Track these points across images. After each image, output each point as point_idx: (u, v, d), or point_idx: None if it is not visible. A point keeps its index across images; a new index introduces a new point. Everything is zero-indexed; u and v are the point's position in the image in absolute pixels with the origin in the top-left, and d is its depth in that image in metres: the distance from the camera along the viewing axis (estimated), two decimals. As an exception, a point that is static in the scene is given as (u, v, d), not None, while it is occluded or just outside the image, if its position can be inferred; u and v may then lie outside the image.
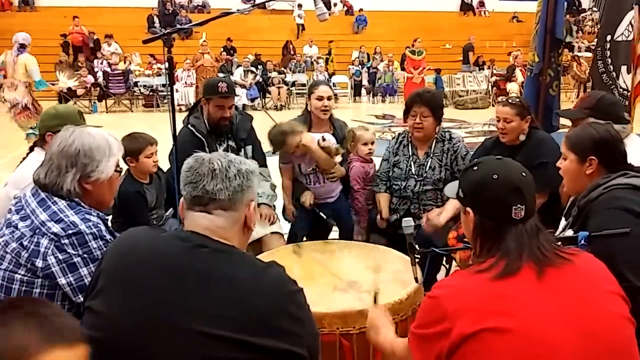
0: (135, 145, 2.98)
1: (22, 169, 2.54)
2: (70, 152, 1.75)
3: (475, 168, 1.50)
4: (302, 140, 3.17)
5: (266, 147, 3.47)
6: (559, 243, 1.50)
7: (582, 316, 1.29)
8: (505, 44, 19.27)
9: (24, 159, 2.65)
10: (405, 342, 1.50)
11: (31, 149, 2.66)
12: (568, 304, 1.31)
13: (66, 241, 1.68)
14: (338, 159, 3.29)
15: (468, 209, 1.48)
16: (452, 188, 1.61)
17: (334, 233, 3.55)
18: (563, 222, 2.24)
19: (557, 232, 2.16)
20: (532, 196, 1.43)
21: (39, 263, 1.67)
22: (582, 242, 1.78)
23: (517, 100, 3.07)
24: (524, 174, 1.45)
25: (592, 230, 1.82)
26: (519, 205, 1.39)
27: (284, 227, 3.42)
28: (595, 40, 4.98)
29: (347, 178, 3.45)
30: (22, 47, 7.14)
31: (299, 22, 19.19)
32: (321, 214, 3.38)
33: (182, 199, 1.44)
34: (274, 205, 3.35)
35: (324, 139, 3.22)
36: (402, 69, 15.70)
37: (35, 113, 7.09)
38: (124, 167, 2.67)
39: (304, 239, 3.46)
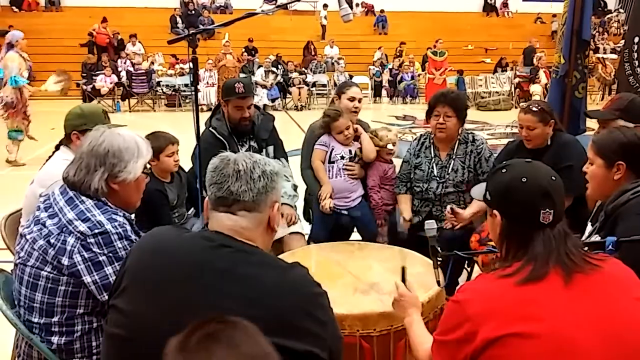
0: (156, 144, 3.00)
1: (48, 167, 2.58)
2: (100, 151, 1.78)
3: (504, 170, 1.47)
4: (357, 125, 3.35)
5: (288, 147, 3.48)
6: (586, 248, 1.47)
7: (609, 323, 1.27)
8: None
9: (50, 157, 2.69)
10: (429, 350, 1.48)
11: (57, 148, 2.70)
12: (595, 310, 1.28)
13: (92, 240, 1.70)
14: (390, 146, 3.40)
15: (495, 212, 1.46)
16: (479, 190, 1.59)
17: (355, 235, 3.53)
18: (589, 227, 2.20)
19: (584, 237, 2.12)
20: (561, 200, 1.40)
21: (65, 261, 1.69)
22: (610, 247, 1.75)
23: (538, 106, 2.99)
24: (553, 177, 1.42)
25: (621, 235, 1.78)
26: (547, 210, 1.37)
27: (305, 227, 3.42)
28: (622, 42, 4.89)
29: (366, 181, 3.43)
30: (10, 45, 7.20)
31: (324, 24, 19.19)
32: (342, 218, 3.32)
33: (206, 199, 1.45)
34: (295, 206, 3.34)
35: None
36: (423, 69, 15.60)
37: (21, 116, 7.16)
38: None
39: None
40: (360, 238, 3.39)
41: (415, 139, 3.44)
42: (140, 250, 1.44)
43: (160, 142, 3.02)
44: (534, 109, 2.95)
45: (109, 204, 1.79)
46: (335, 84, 14.02)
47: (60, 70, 7.42)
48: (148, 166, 1.93)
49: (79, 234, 1.70)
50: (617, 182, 1.98)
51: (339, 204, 3.31)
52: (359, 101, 3.44)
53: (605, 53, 16.59)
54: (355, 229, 3.47)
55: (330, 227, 3.35)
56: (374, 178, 3.39)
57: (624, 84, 4.41)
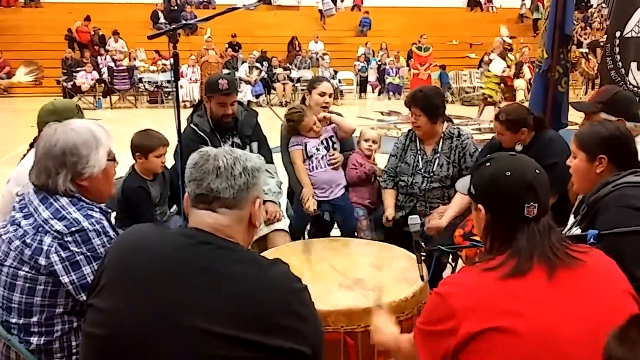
0: (148, 143, 2.97)
1: (23, 166, 2.52)
2: (55, 153, 1.71)
3: (488, 164, 1.47)
4: (320, 114, 3.38)
5: (272, 143, 3.46)
6: (569, 241, 1.47)
7: (593, 318, 1.27)
8: (514, 40, 19.17)
9: (24, 155, 2.64)
10: (411, 338, 1.48)
11: (31, 145, 2.64)
12: (579, 305, 1.29)
13: (69, 239, 1.66)
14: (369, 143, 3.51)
15: (479, 205, 1.46)
16: (463, 184, 1.58)
17: (335, 230, 3.53)
18: (572, 220, 2.21)
19: (566, 229, 2.13)
20: (545, 194, 1.40)
21: (42, 261, 1.65)
22: (592, 240, 1.75)
23: (504, 115, 3.01)
24: (537, 171, 1.42)
25: (601, 228, 1.80)
26: (532, 203, 1.36)
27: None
28: (605, 36, 4.94)
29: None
30: None
31: (320, 8, 18.84)
32: (322, 212, 3.33)
33: (186, 195, 1.42)
34: (279, 203, 3.33)
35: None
36: (408, 65, 15.63)
37: None
38: (127, 163, 2.65)
39: (306, 235, 3.45)
40: (339, 233, 3.40)
41: (404, 134, 3.46)
42: (119, 248, 1.41)
43: (153, 142, 2.99)
44: (501, 118, 3.02)
45: (84, 199, 1.75)
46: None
47: (28, 60, 7.07)
48: (113, 152, 1.85)
49: (55, 233, 1.66)
50: (599, 175, 1.99)
51: (321, 196, 3.32)
52: (330, 96, 3.48)
53: (587, 48, 16.73)
54: (335, 223, 3.47)
55: (310, 217, 3.36)
56: (355, 165, 3.43)
57: (606, 78, 4.43)
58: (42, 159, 1.73)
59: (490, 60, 11.77)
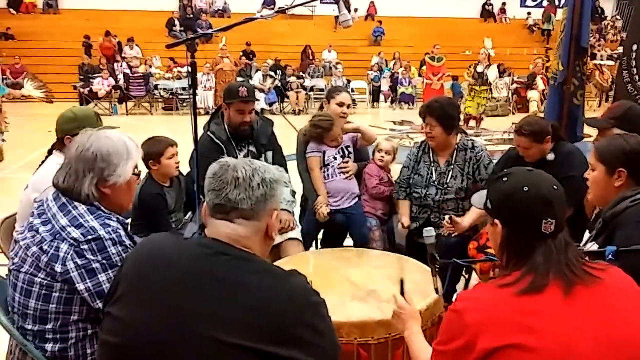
0: (157, 148, 3.00)
1: (42, 173, 2.55)
2: (88, 156, 1.75)
3: (505, 179, 1.46)
4: (346, 125, 3.43)
5: (286, 151, 3.47)
6: (587, 258, 1.46)
7: (610, 335, 1.26)
8: (527, 51, 19.10)
9: (43, 162, 2.66)
10: (429, 358, 1.47)
11: (50, 152, 2.67)
12: (595, 323, 1.27)
13: (86, 247, 1.67)
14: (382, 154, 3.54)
15: (496, 221, 1.45)
16: (479, 198, 1.57)
17: (348, 240, 3.52)
18: (587, 235, 2.19)
19: (582, 245, 2.11)
20: (562, 210, 1.39)
21: (59, 268, 1.67)
22: (610, 257, 1.74)
23: (526, 128, 2.91)
24: (555, 187, 1.41)
25: (620, 244, 1.77)
26: (549, 220, 1.35)
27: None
28: (620, 48, 4.91)
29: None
30: None
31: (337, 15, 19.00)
32: (334, 217, 3.32)
33: (204, 204, 1.43)
34: (293, 212, 3.33)
35: None
36: (420, 75, 15.60)
37: None
38: (144, 170, 2.68)
39: (317, 244, 3.45)
40: (352, 243, 3.39)
41: (416, 145, 3.45)
42: (136, 258, 1.42)
43: (161, 146, 3.01)
44: (525, 131, 2.92)
45: (102, 209, 1.77)
46: (333, 89, 13.99)
47: (30, 74, 7.08)
48: (139, 167, 1.90)
49: (72, 241, 1.67)
50: (617, 188, 1.98)
51: (334, 204, 3.32)
52: (348, 107, 3.48)
53: (602, 60, 16.63)
54: (348, 233, 3.47)
55: (322, 225, 3.37)
56: (370, 175, 3.45)
57: (622, 91, 4.40)
58: (73, 161, 1.76)
59: (479, 74, 11.69)
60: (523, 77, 15.23)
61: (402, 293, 1.87)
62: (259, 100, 13.23)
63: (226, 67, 13.79)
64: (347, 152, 3.45)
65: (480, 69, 11.78)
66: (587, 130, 4.00)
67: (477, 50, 19.11)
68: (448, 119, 3.16)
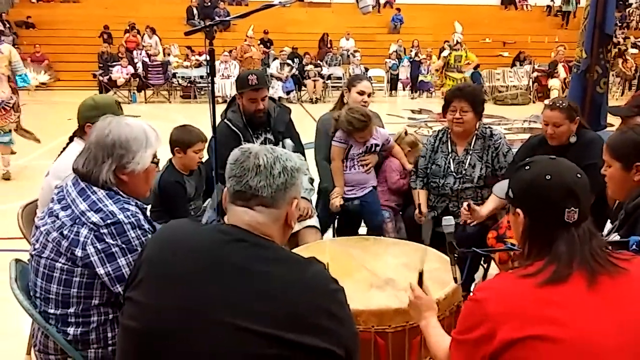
0: (188, 138, 3.02)
1: (63, 159, 2.57)
2: (107, 142, 1.75)
3: (527, 167, 1.43)
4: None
5: (303, 139, 3.46)
6: (610, 247, 1.44)
7: (634, 327, 1.24)
8: (548, 39, 18.79)
9: (64, 149, 2.69)
10: (447, 348, 1.46)
11: (71, 139, 2.70)
12: (620, 314, 1.25)
13: (105, 231, 1.69)
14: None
15: (518, 210, 1.42)
16: (501, 188, 1.55)
17: (362, 229, 3.51)
18: (609, 225, 2.16)
19: (604, 235, 2.08)
20: (586, 198, 1.36)
21: (79, 252, 1.68)
22: (634, 247, 1.71)
23: (562, 103, 2.91)
24: (578, 175, 1.38)
25: (643, 234, 1.75)
26: (572, 209, 1.33)
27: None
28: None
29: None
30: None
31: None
32: (349, 204, 3.31)
33: (225, 190, 1.43)
34: (311, 200, 3.33)
35: None
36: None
37: (10, 113, 5.89)
38: (164, 158, 2.70)
39: (334, 232, 3.43)
40: (365, 231, 3.38)
41: (433, 134, 3.41)
42: (156, 243, 1.43)
43: (192, 137, 3.03)
44: (561, 105, 2.88)
45: (121, 193, 1.78)
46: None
47: (34, 63, 6.85)
48: (158, 155, 1.90)
49: (91, 225, 1.69)
50: (637, 182, 1.95)
51: (349, 192, 3.30)
52: (368, 95, 3.44)
53: (626, 47, 16.29)
54: (362, 221, 3.46)
55: (336, 213, 3.35)
56: (389, 169, 3.42)
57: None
58: (92, 147, 1.77)
59: (445, 58, 12.12)
60: (544, 65, 15.00)
61: (420, 284, 1.86)
62: (272, 87, 13.19)
63: (255, 55, 13.74)
64: (372, 149, 3.36)
65: (445, 53, 11.87)
66: (610, 119, 3.93)
67: (497, 38, 18.94)
68: (480, 104, 3.13)
